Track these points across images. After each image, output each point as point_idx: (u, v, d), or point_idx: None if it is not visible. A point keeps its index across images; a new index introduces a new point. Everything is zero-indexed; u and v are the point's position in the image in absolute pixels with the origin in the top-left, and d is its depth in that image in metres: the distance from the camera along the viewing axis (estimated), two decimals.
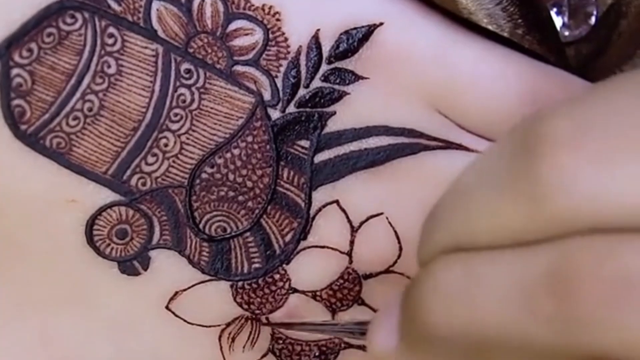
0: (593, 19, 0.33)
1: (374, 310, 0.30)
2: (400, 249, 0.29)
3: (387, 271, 0.30)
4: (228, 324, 0.29)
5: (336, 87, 0.29)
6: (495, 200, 0.19)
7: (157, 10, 0.28)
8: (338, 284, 0.30)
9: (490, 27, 0.30)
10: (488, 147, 0.20)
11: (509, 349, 0.18)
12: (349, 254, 0.29)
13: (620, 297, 0.17)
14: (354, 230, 0.29)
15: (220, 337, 0.29)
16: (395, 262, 0.29)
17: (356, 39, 0.29)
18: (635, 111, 0.18)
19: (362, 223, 0.29)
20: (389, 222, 0.29)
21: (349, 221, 0.29)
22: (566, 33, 0.33)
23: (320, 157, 0.29)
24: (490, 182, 0.19)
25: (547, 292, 0.17)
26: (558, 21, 0.33)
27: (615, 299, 0.17)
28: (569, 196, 0.17)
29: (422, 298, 0.20)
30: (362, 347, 0.30)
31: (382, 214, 0.29)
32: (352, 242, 0.29)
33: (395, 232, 0.29)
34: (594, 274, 0.17)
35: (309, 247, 0.29)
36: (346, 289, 0.30)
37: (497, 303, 0.18)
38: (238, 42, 0.29)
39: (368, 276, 0.30)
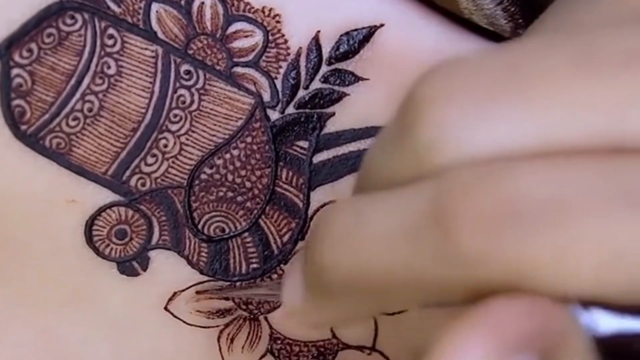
0: None
1: None
2: None
3: None
4: (227, 325, 0.30)
5: (336, 88, 0.30)
6: (386, 162, 0.19)
7: (157, 12, 0.29)
8: None
9: (491, 28, 0.30)
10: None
11: (403, 289, 0.18)
12: None
13: (495, 226, 0.17)
14: None
15: (219, 337, 0.30)
16: None
17: (357, 41, 0.30)
18: (505, 61, 0.18)
19: None
20: None
21: None
22: None
23: (319, 157, 0.30)
24: (382, 140, 0.20)
25: (429, 224, 0.18)
26: None
27: (491, 228, 0.17)
28: (439, 149, 0.18)
29: (313, 242, 0.20)
30: (361, 348, 0.31)
31: None
32: None
33: None
34: (471, 204, 0.17)
35: None
36: None
37: (382, 241, 0.18)
38: (238, 43, 0.29)
39: None
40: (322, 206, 0.30)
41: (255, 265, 0.30)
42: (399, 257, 0.18)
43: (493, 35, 0.30)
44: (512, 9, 0.31)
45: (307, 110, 0.30)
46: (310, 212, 0.30)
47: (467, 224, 0.17)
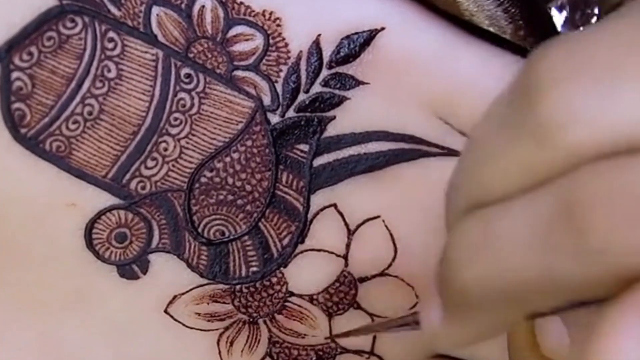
0: (595, 19, 0.34)
1: (370, 314, 0.31)
2: (396, 251, 0.30)
3: (382, 274, 0.30)
4: (226, 328, 0.30)
5: (336, 92, 0.30)
6: (502, 147, 0.19)
7: (157, 15, 0.29)
8: (334, 287, 0.31)
9: (491, 29, 0.30)
10: (493, 101, 0.21)
11: (544, 292, 0.19)
12: (345, 257, 0.30)
13: (629, 214, 0.17)
14: (350, 233, 0.30)
15: (218, 340, 0.30)
16: (390, 264, 0.30)
17: (357, 44, 0.30)
18: (629, 36, 0.18)
19: (358, 226, 0.30)
20: (385, 226, 0.30)
21: (346, 224, 0.30)
22: None
23: (319, 161, 0.30)
24: (496, 132, 0.20)
25: (563, 225, 0.18)
26: (559, 21, 0.34)
27: (624, 217, 0.17)
28: (569, 128, 0.18)
29: (448, 261, 0.20)
30: (359, 352, 0.31)
31: (378, 217, 0.30)
32: (348, 246, 0.30)
33: (391, 235, 0.30)
34: (601, 194, 0.17)
35: (306, 251, 0.30)
36: (342, 293, 0.31)
37: (517, 249, 0.19)
38: (238, 47, 0.30)
39: (363, 279, 0.31)
40: (321, 209, 0.30)
41: (255, 269, 0.30)
42: (536, 261, 0.18)
43: (493, 38, 0.31)
44: (513, 10, 0.31)
45: (307, 114, 0.30)
46: (310, 215, 0.30)
47: (601, 216, 0.17)
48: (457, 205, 0.21)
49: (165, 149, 0.30)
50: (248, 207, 0.30)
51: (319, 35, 0.30)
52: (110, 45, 0.29)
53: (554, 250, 0.18)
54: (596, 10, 0.34)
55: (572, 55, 0.18)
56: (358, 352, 0.31)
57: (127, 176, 0.29)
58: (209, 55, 0.29)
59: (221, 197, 0.30)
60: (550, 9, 0.33)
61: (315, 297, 0.30)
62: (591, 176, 0.18)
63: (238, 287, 0.30)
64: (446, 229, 0.22)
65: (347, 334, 0.30)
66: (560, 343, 0.25)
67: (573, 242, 0.18)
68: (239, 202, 0.30)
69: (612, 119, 0.18)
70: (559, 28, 0.33)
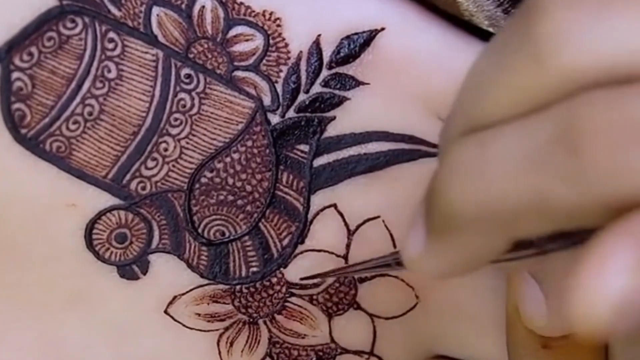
0: None
1: (370, 315, 0.31)
2: None
3: (382, 274, 0.31)
4: (226, 328, 0.30)
5: (336, 92, 0.30)
6: (501, 70, 0.20)
7: (157, 15, 0.29)
8: (334, 287, 0.31)
9: (491, 29, 0.30)
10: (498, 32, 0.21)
11: (532, 218, 0.19)
12: (345, 257, 0.30)
13: (628, 142, 0.17)
14: (350, 233, 0.30)
15: (218, 341, 0.30)
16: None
17: (357, 44, 0.30)
18: None
19: (358, 226, 0.30)
20: (385, 226, 0.30)
21: (346, 225, 0.30)
22: None
23: (320, 161, 0.30)
24: (496, 56, 0.20)
25: (559, 149, 0.18)
26: None
27: (624, 145, 0.17)
28: (568, 51, 0.18)
29: (439, 181, 0.20)
30: (359, 353, 0.31)
31: (378, 217, 0.30)
32: (348, 246, 0.30)
33: (391, 235, 0.30)
34: (601, 123, 0.17)
35: (306, 251, 0.30)
36: (342, 293, 0.31)
37: (511, 171, 0.19)
38: (238, 47, 0.30)
39: (363, 279, 0.31)
40: (321, 210, 0.30)
41: (255, 269, 0.30)
42: (528, 184, 0.18)
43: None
44: (513, 10, 0.31)
45: (307, 114, 0.30)
46: (310, 215, 0.30)
47: (599, 141, 0.18)
48: (454, 129, 0.21)
49: (166, 150, 0.30)
50: (248, 208, 0.30)
51: (319, 35, 0.30)
52: (111, 46, 0.29)
53: (548, 174, 0.18)
54: None
55: None
56: (358, 353, 0.31)
57: (128, 176, 0.30)
58: (209, 56, 0.29)
59: (221, 197, 0.30)
60: None
61: (315, 297, 0.31)
62: (591, 103, 0.18)
63: (238, 287, 0.30)
64: (439, 153, 0.22)
65: (317, 276, 0.29)
66: (539, 310, 0.25)
67: (569, 166, 0.18)
68: (239, 202, 0.30)
69: (609, 44, 0.18)
70: None
